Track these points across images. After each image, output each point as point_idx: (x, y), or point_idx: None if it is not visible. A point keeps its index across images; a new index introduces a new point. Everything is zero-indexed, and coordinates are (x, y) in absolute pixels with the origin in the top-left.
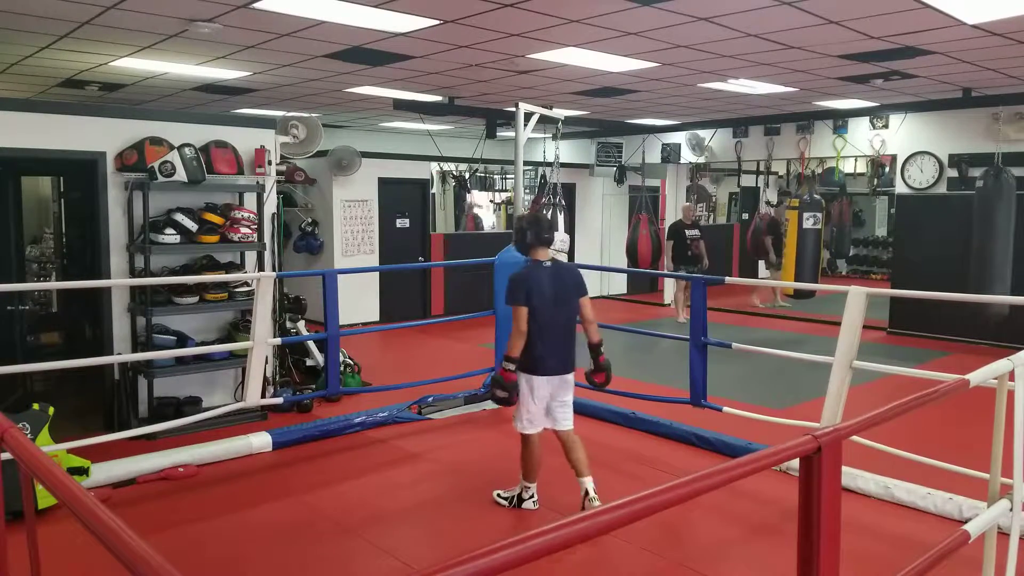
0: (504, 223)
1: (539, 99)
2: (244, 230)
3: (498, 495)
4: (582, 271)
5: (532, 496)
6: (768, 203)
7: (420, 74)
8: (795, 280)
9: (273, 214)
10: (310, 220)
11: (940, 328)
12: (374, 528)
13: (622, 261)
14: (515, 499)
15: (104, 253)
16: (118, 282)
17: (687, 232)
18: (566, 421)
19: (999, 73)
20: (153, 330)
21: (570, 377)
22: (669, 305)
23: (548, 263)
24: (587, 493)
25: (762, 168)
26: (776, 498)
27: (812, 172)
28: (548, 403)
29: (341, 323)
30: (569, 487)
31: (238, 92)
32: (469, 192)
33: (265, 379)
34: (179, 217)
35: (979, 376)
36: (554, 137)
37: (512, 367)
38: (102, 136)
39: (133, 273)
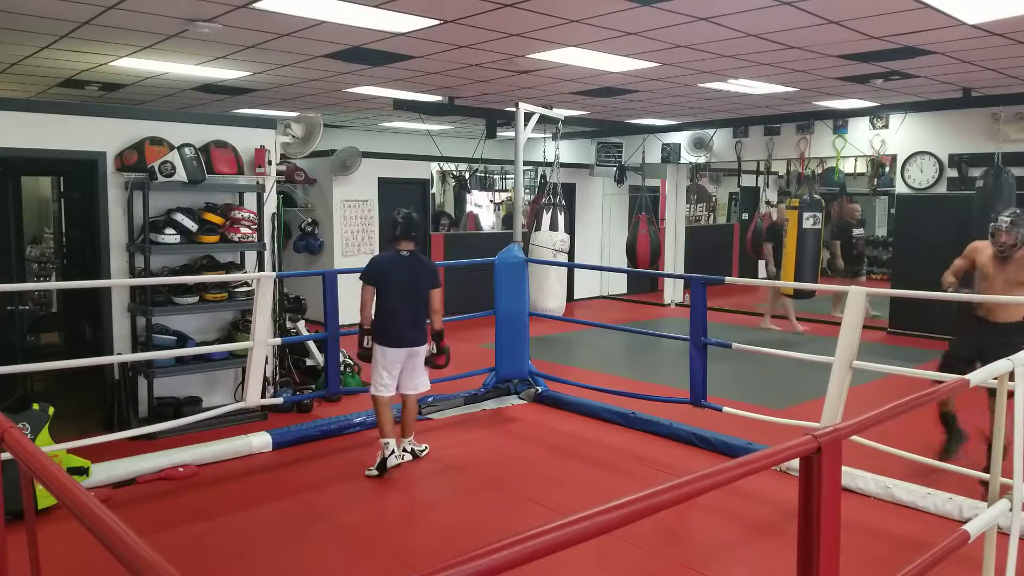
0: (500, 223)
1: (539, 99)
2: (244, 230)
3: (368, 472)
4: (581, 270)
5: (392, 451)
6: (768, 203)
7: (420, 74)
8: (795, 279)
9: (273, 214)
10: (310, 220)
11: (940, 328)
12: (374, 528)
13: (622, 261)
14: (381, 464)
15: (104, 253)
16: (118, 282)
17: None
18: (414, 389)
19: (999, 73)
20: (153, 330)
21: (418, 350)
22: (668, 305)
23: (406, 253)
24: (404, 448)
25: (762, 168)
26: (776, 498)
27: (812, 172)
28: (400, 372)
29: (341, 323)
30: (568, 488)
31: (238, 92)
32: (469, 192)
33: (265, 379)
34: (179, 217)
35: (979, 376)
36: (554, 137)
37: (360, 332)
38: (102, 136)
39: (133, 273)
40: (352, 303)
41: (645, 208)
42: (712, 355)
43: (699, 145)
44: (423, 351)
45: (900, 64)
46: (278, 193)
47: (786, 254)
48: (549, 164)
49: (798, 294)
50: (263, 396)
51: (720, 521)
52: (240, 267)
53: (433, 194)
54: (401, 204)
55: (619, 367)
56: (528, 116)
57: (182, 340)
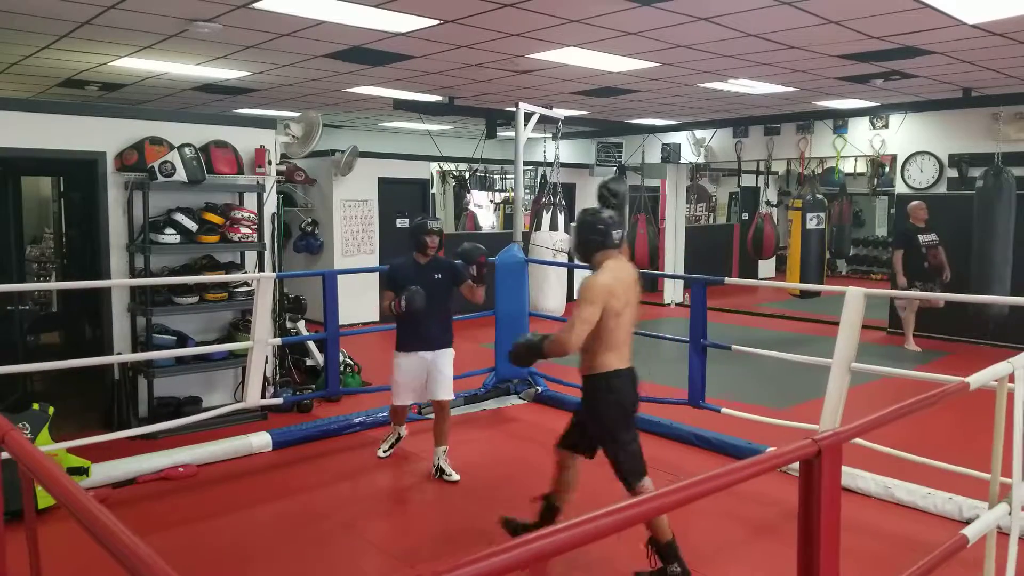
0: (502, 223)
1: (539, 99)
2: (244, 230)
3: (382, 451)
4: (580, 271)
5: (398, 434)
6: (768, 203)
7: (420, 74)
8: (801, 280)
9: (273, 214)
10: (310, 220)
11: (940, 328)
12: (374, 528)
13: None
14: (396, 440)
15: (104, 253)
16: (118, 282)
17: (921, 238)
18: (441, 392)
19: (999, 73)
20: (153, 330)
21: (443, 352)
22: (668, 304)
23: (423, 261)
24: (438, 461)
25: (762, 168)
26: (776, 499)
27: (812, 172)
28: (424, 378)
29: (341, 323)
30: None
31: (238, 92)
32: (469, 192)
33: (265, 379)
34: (179, 217)
35: (979, 379)
36: (554, 137)
37: (391, 304)
38: (102, 136)
39: (133, 273)
40: (351, 303)
41: (644, 208)
42: (712, 355)
43: (698, 144)
44: (448, 354)
45: (900, 64)
46: (278, 193)
47: (790, 255)
48: (549, 164)
49: (804, 294)
50: (263, 396)
51: (720, 522)
52: (240, 267)
53: (433, 194)
54: (401, 204)
55: None
56: (528, 116)
57: (182, 340)
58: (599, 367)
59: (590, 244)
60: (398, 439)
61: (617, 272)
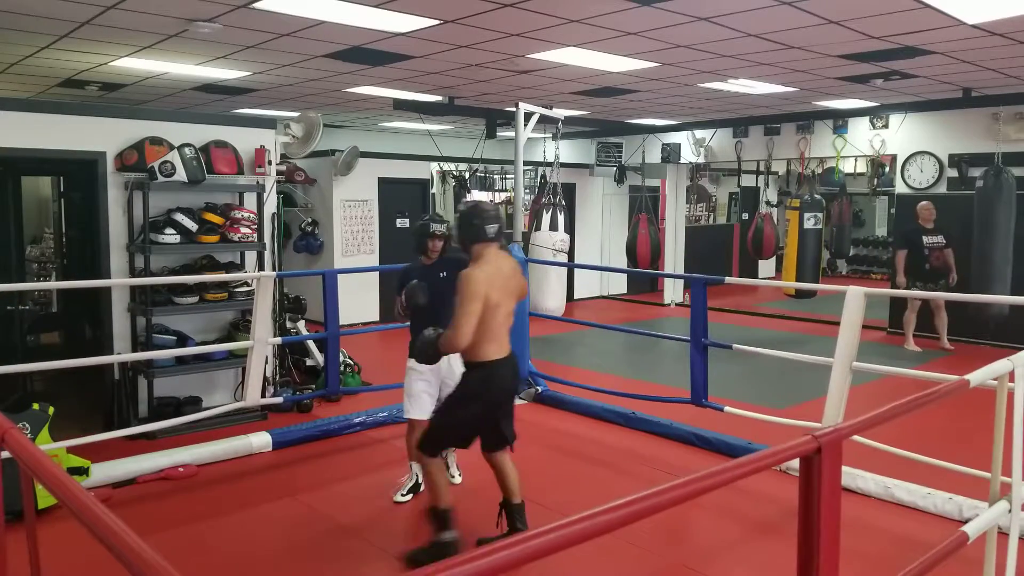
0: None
1: (539, 99)
2: (244, 230)
3: (400, 495)
4: (581, 271)
5: (416, 477)
6: (768, 203)
7: (420, 74)
8: (796, 279)
9: (273, 214)
10: (310, 220)
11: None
12: (374, 528)
13: (622, 261)
14: (415, 486)
15: (104, 253)
16: (118, 282)
17: (925, 239)
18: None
19: (999, 73)
20: (153, 330)
21: (456, 357)
22: (668, 305)
23: (429, 263)
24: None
25: (762, 168)
26: (777, 498)
27: (812, 172)
28: (438, 386)
29: (341, 323)
30: (568, 488)
31: (238, 92)
32: (469, 192)
33: (265, 379)
34: (179, 217)
35: (979, 376)
36: (554, 137)
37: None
38: (102, 136)
39: (133, 273)
40: (351, 303)
41: (645, 208)
42: (713, 355)
43: (697, 143)
44: (460, 360)
45: (900, 64)
46: (278, 193)
47: (787, 254)
48: (549, 164)
49: (799, 294)
50: (263, 396)
51: (720, 521)
52: (240, 267)
53: (433, 194)
54: (401, 204)
55: (619, 367)
56: (528, 116)
57: (182, 340)
58: (480, 356)
59: (467, 236)
60: (417, 485)
61: (497, 263)
